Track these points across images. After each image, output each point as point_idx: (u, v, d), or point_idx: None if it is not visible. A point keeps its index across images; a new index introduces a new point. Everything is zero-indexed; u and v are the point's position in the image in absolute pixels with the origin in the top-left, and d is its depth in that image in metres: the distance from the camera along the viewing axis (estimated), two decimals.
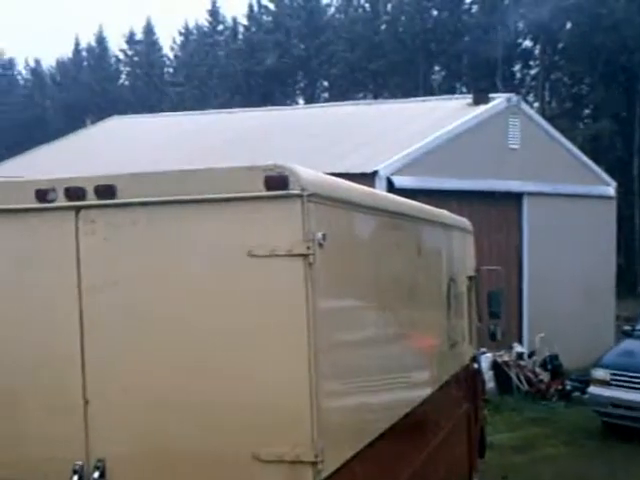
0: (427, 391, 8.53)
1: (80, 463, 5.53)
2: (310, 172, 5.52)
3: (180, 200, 5.39)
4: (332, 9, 78.09)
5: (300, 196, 5.23)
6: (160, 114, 39.37)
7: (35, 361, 5.67)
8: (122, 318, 5.52)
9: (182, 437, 5.41)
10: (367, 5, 73.90)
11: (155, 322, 5.48)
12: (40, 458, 5.66)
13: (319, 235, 5.29)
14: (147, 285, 5.50)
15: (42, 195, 5.59)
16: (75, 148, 28.31)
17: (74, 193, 5.53)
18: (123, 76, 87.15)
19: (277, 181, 5.24)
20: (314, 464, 5.20)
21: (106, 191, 5.48)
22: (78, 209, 5.55)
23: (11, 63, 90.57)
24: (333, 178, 6.17)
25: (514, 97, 23.73)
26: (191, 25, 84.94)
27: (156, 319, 5.47)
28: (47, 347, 5.64)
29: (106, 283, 5.53)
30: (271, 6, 78.52)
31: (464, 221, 11.50)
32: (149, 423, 5.49)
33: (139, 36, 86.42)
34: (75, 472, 5.51)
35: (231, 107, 40.85)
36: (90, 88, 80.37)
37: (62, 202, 5.57)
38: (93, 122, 36.46)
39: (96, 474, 5.50)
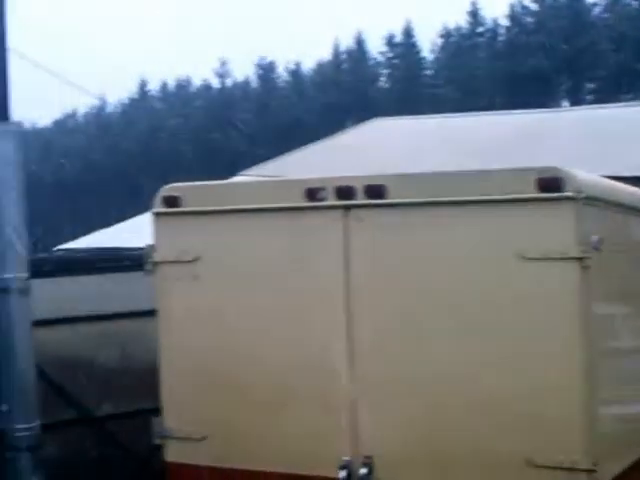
0: None
1: (348, 459, 5.54)
2: (584, 174, 5.33)
3: (450, 201, 5.33)
4: (598, 8, 75.86)
5: (575, 199, 5.05)
6: (420, 116, 39.37)
7: (305, 357, 5.73)
8: (389, 317, 5.50)
9: (454, 439, 5.35)
10: (635, 3, 71.22)
11: (422, 322, 5.43)
12: (309, 453, 5.70)
13: (595, 239, 5.09)
14: (415, 285, 5.45)
15: (312, 194, 5.64)
16: (336, 149, 28.77)
17: (344, 192, 5.55)
18: (382, 78, 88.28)
19: (551, 183, 5.09)
20: (590, 472, 5.02)
21: (376, 191, 5.47)
22: (347, 208, 5.56)
23: (271, 66, 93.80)
24: (608, 180, 5.95)
25: None
26: (451, 27, 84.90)
27: (423, 320, 5.42)
28: (316, 344, 5.69)
29: (374, 282, 5.52)
30: (534, 6, 77.25)
31: None
32: (419, 423, 5.44)
33: (398, 38, 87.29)
34: (343, 467, 5.54)
35: (491, 109, 40.41)
36: (349, 90, 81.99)
37: (332, 201, 5.60)
38: (353, 124, 36.99)
39: (364, 470, 5.50)
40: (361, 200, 5.53)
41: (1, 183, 7.21)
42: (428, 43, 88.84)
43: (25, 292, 7.18)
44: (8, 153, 7.23)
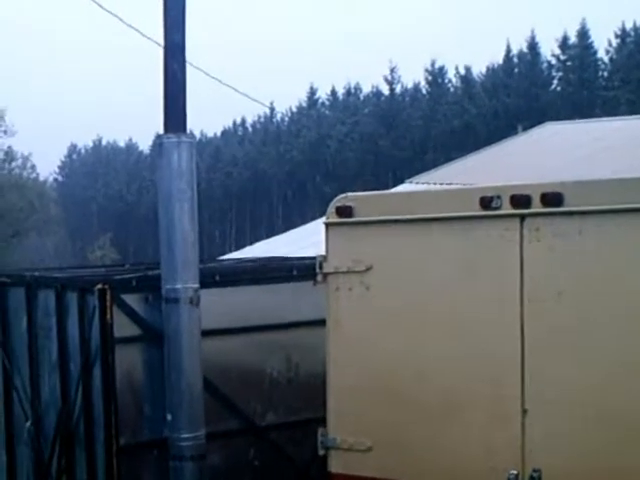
0: None
1: (515, 472, 5.40)
2: None
3: (630, 208, 5.10)
4: None
5: None
6: (594, 119, 38.41)
7: (476, 368, 5.61)
8: (564, 330, 5.32)
9: (626, 455, 5.12)
10: None
11: (597, 334, 5.22)
12: (477, 466, 5.58)
13: None
14: (592, 297, 5.24)
15: (487, 202, 5.52)
16: (507, 155, 28.34)
17: (519, 201, 5.40)
18: (555, 82, 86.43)
19: None
20: None
21: (553, 199, 5.30)
22: (523, 217, 5.41)
23: (441, 71, 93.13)
24: None
25: None
26: (628, 26, 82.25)
27: (601, 333, 5.21)
28: (488, 353, 5.57)
29: (549, 293, 5.35)
30: None
31: None
32: (590, 437, 5.24)
33: (573, 40, 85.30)
34: None
35: None
36: (520, 95, 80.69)
37: (507, 210, 5.47)
38: (524, 129, 36.31)
39: None
40: (537, 208, 5.37)
41: (175, 194, 7.32)
42: (604, 44, 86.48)
43: (195, 302, 7.25)
44: (182, 164, 7.34)
